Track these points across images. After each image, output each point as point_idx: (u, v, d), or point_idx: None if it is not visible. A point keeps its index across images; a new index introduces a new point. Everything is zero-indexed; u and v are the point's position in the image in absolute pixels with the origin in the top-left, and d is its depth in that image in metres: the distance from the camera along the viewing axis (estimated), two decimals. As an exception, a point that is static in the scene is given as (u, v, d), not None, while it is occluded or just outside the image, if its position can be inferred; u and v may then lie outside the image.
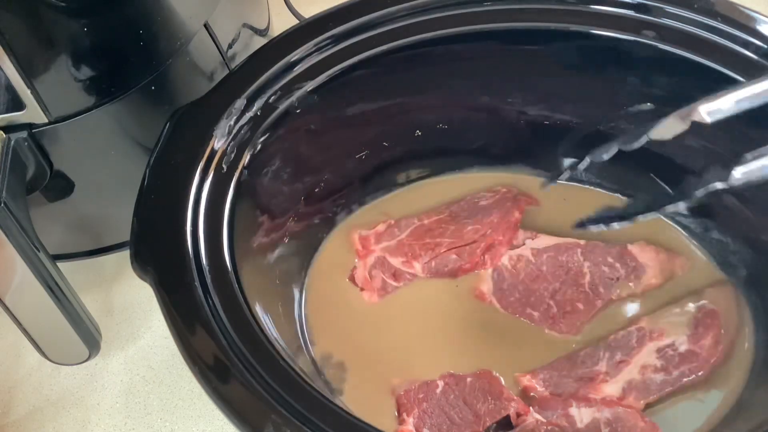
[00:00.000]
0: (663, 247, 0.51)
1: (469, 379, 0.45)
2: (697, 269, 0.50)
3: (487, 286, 0.51)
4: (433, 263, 0.52)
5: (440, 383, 0.46)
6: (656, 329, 0.47)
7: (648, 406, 0.45)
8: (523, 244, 0.52)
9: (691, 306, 0.48)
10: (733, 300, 0.48)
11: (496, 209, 0.53)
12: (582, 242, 0.52)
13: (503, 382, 0.46)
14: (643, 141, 0.37)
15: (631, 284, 0.50)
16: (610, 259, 0.51)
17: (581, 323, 0.49)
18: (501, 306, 0.50)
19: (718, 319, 0.47)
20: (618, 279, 0.50)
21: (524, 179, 0.56)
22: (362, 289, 0.51)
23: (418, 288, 0.52)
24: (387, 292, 0.51)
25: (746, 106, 0.35)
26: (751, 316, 0.48)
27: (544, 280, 0.50)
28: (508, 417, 0.44)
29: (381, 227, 0.53)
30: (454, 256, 0.52)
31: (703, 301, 0.48)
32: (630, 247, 0.51)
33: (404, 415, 0.44)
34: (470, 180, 0.56)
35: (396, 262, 0.52)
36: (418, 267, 0.52)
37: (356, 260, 0.52)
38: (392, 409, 0.45)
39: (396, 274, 0.52)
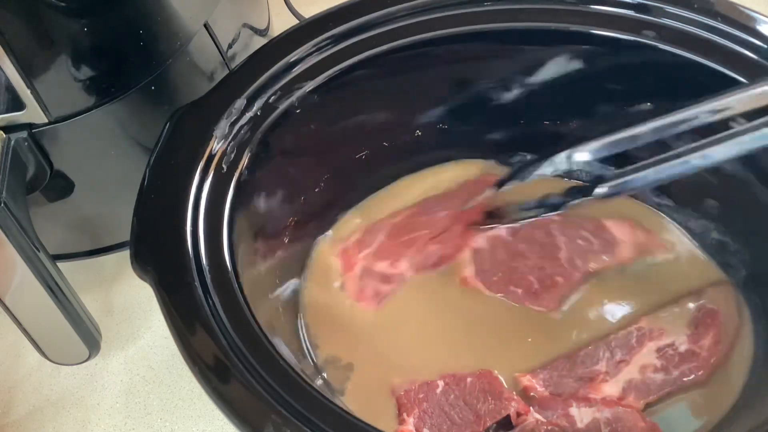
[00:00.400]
0: (642, 226, 0.52)
1: (469, 379, 0.45)
2: (697, 269, 0.50)
3: (469, 271, 0.51)
4: (417, 258, 0.52)
5: (440, 383, 0.45)
6: (656, 329, 0.47)
7: (648, 405, 0.44)
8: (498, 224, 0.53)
9: (691, 306, 0.48)
10: (733, 300, 0.48)
11: (462, 191, 0.54)
12: (556, 217, 0.52)
13: (503, 382, 0.46)
14: (534, 176, 0.45)
15: (605, 257, 0.51)
16: (584, 233, 0.51)
17: (562, 297, 0.49)
18: (485, 287, 0.50)
19: (718, 319, 0.47)
20: (593, 251, 0.51)
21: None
22: (358, 301, 0.51)
23: (410, 287, 0.51)
24: (382, 298, 0.51)
25: (606, 153, 0.43)
26: (751, 316, 0.48)
27: (523, 258, 0.51)
28: (508, 417, 0.44)
29: (356, 236, 0.53)
30: (435, 246, 0.52)
31: (703, 301, 0.48)
32: (605, 221, 0.52)
33: (404, 415, 0.44)
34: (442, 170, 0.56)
35: (382, 266, 0.51)
36: (404, 266, 0.52)
37: (344, 274, 0.51)
38: (392, 409, 0.45)
39: (386, 279, 0.51)
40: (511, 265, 0.51)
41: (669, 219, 0.53)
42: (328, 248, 0.53)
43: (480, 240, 0.52)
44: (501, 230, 0.52)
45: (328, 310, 0.50)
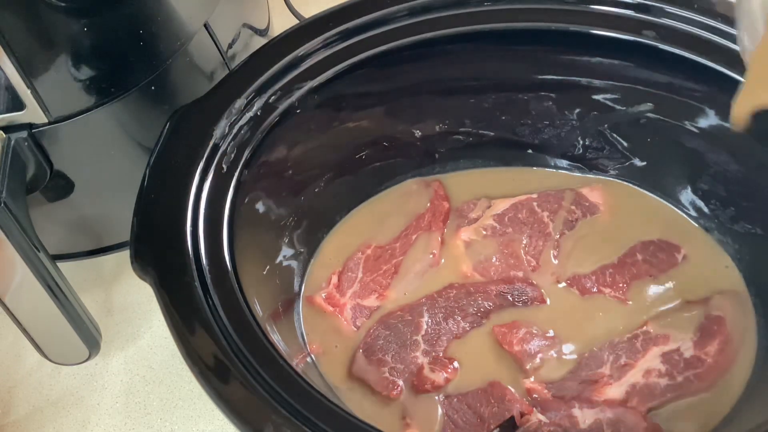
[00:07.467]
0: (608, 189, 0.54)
1: (471, 383, 0.45)
2: (704, 275, 0.50)
3: (466, 265, 0.51)
4: (404, 281, 0.51)
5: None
6: (662, 334, 0.46)
7: (650, 409, 0.44)
8: (482, 214, 0.53)
9: (697, 312, 0.48)
10: (738, 307, 0.48)
11: (419, 204, 0.54)
12: (534, 195, 0.54)
13: (506, 385, 0.45)
14: None
15: (589, 223, 0.52)
16: (564, 204, 0.53)
17: (561, 266, 0.50)
18: (485, 278, 0.50)
19: (724, 326, 0.46)
20: (577, 220, 0.53)
21: (525, 177, 0.56)
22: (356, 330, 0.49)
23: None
24: None
25: None
26: (756, 323, 0.47)
27: (514, 240, 0.52)
28: (512, 419, 0.43)
29: (334, 279, 0.51)
30: (419, 263, 0.51)
31: (709, 308, 0.48)
32: (581, 190, 0.54)
33: (408, 419, 0.44)
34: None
35: (371, 302, 0.50)
36: (393, 294, 0.51)
37: (337, 317, 0.49)
38: (394, 410, 0.45)
39: (377, 310, 0.50)
40: (505, 251, 0.51)
41: (681, 213, 0.53)
42: (343, 237, 0.53)
43: (468, 233, 0.52)
44: (487, 219, 0.53)
45: (326, 321, 0.50)
